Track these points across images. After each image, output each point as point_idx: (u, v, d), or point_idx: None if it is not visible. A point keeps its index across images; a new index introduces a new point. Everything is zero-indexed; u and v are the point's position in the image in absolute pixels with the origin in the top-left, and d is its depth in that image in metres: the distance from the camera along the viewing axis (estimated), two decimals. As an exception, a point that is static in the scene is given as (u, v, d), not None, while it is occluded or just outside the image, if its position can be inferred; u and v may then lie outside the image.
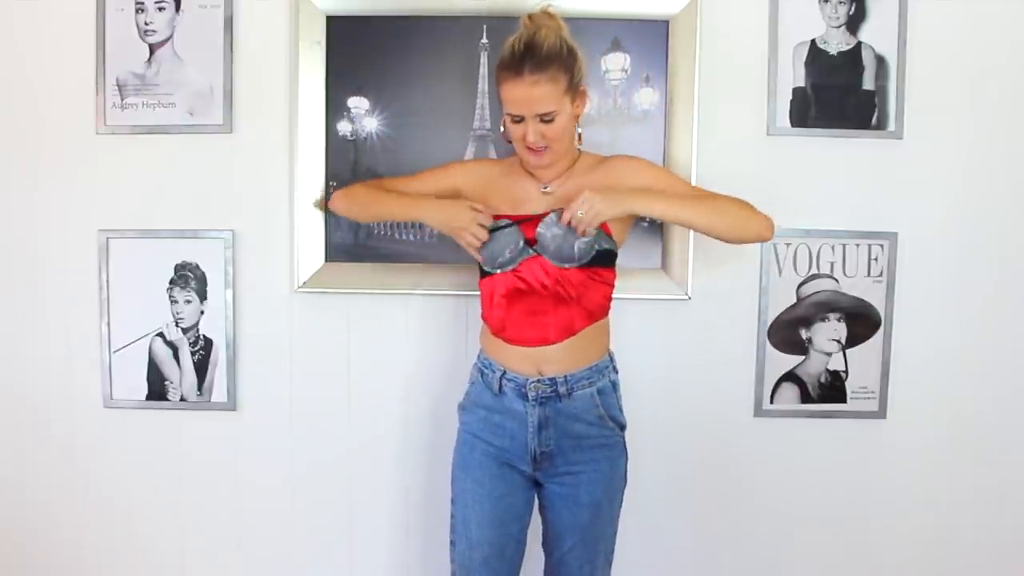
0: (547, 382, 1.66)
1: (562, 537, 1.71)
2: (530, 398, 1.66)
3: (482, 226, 1.65)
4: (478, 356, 1.77)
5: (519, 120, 1.60)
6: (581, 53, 1.63)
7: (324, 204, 1.97)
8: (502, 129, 1.68)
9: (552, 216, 1.64)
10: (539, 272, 1.65)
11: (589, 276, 1.66)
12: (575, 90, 1.63)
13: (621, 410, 1.75)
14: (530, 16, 1.63)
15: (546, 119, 1.59)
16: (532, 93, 1.57)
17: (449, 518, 1.75)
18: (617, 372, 1.75)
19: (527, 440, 1.67)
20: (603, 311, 1.71)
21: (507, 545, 1.69)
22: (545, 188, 1.70)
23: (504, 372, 1.68)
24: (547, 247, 1.64)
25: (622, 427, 1.74)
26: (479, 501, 1.69)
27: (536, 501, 1.76)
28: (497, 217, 1.67)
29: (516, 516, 1.71)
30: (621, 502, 1.76)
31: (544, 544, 1.78)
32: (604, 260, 1.67)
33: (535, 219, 1.66)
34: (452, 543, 1.74)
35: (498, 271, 1.67)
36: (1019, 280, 2.04)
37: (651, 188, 1.68)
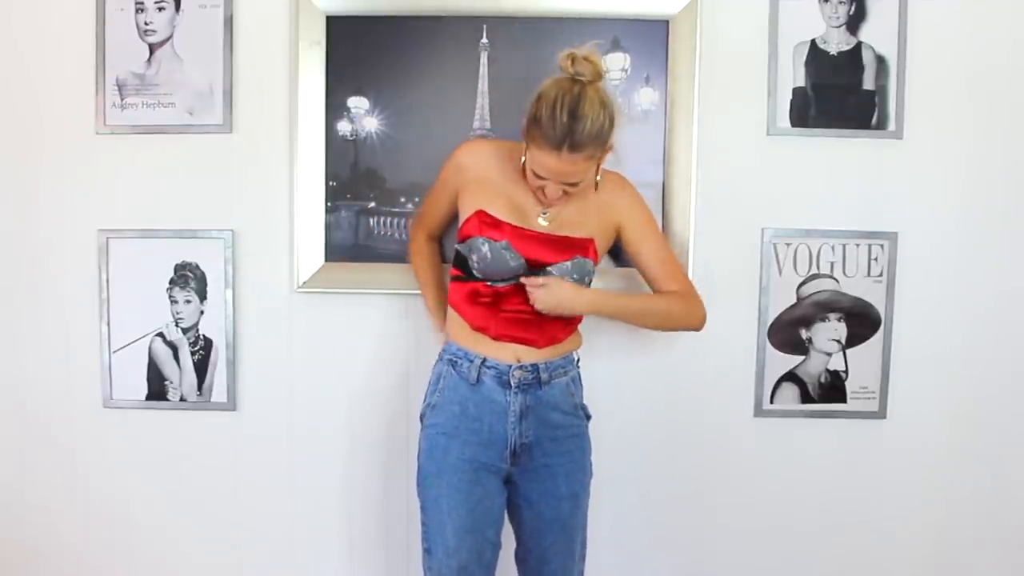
0: (529, 368, 1.67)
1: (542, 533, 1.71)
2: (512, 385, 1.66)
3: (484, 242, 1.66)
4: (445, 350, 1.74)
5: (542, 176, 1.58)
6: (617, 109, 1.57)
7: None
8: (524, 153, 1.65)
9: (557, 270, 1.65)
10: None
11: None
12: (605, 149, 1.59)
13: (583, 400, 1.78)
14: (572, 59, 1.54)
15: (571, 184, 1.59)
16: (566, 169, 1.54)
17: (420, 526, 1.72)
18: (579, 368, 1.78)
19: (506, 432, 1.67)
20: (580, 320, 1.75)
21: (484, 550, 1.67)
22: (544, 213, 1.68)
23: (484, 360, 1.67)
24: None
25: (588, 417, 1.77)
26: (455, 507, 1.65)
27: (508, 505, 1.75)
28: (497, 231, 1.65)
29: (492, 520, 1.69)
30: (589, 494, 1.77)
31: (519, 548, 1.77)
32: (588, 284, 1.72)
33: (536, 238, 1.66)
34: (427, 551, 1.70)
35: (487, 283, 1.67)
36: (1019, 280, 2.04)
37: (632, 229, 1.74)
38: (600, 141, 1.54)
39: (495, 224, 1.65)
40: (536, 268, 1.65)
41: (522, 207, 1.68)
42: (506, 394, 1.66)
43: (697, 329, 1.80)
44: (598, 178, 1.66)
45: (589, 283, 1.70)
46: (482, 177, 1.70)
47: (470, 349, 1.68)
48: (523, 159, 1.63)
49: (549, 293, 1.63)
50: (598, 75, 1.55)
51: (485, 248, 1.63)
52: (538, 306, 1.64)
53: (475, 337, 1.69)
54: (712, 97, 1.97)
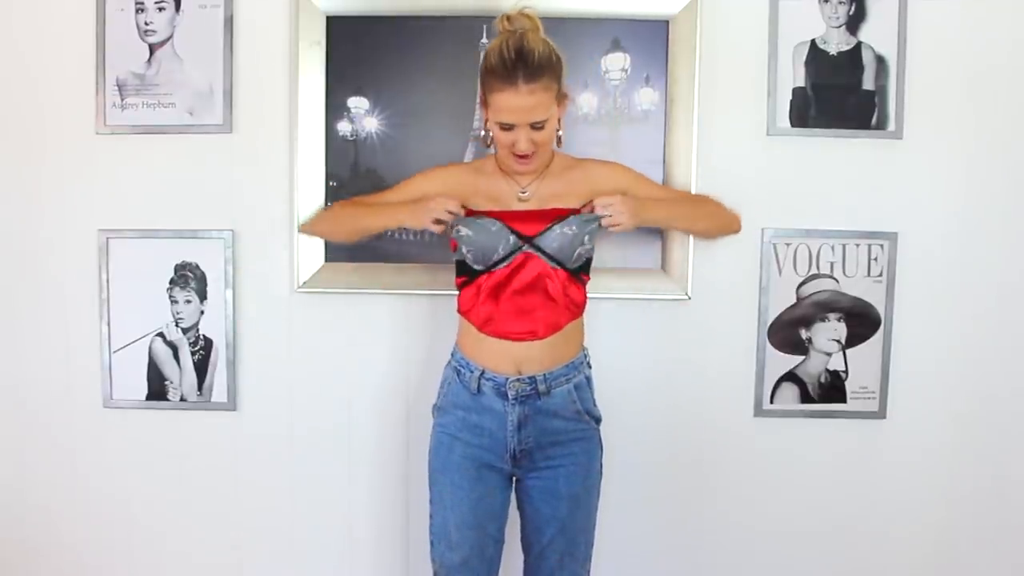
0: (527, 380, 1.67)
1: (541, 530, 1.72)
2: (510, 397, 1.67)
3: (451, 212, 1.66)
4: (452, 356, 1.76)
5: (509, 128, 1.61)
6: (564, 56, 1.63)
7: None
8: (483, 133, 1.70)
9: (573, 218, 1.65)
10: (528, 270, 1.67)
11: (570, 277, 1.69)
12: (561, 95, 1.64)
13: (595, 404, 1.76)
14: (508, 17, 1.62)
15: (537, 126, 1.61)
16: (527, 102, 1.57)
17: (428, 518, 1.75)
18: (591, 367, 1.77)
19: (506, 439, 1.68)
20: (583, 308, 1.74)
21: (486, 545, 1.71)
22: (523, 192, 1.71)
23: (483, 372, 1.69)
24: (551, 243, 1.65)
25: (597, 420, 1.76)
26: (458, 504, 1.69)
27: (514, 498, 1.76)
28: (474, 213, 1.68)
29: (494, 516, 1.72)
30: (599, 496, 1.77)
31: (523, 540, 1.78)
32: (586, 264, 1.72)
33: (518, 215, 1.68)
34: (432, 543, 1.74)
35: (492, 269, 1.67)
36: (1019, 280, 2.04)
37: (627, 191, 1.74)
38: (553, 71, 1.59)
39: (478, 216, 1.69)
40: (523, 241, 1.66)
41: (500, 196, 1.72)
42: (504, 404, 1.68)
43: (737, 231, 1.90)
44: (560, 133, 1.69)
45: (581, 255, 1.68)
46: (457, 191, 1.73)
47: (472, 360, 1.71)
48: (488, 134, 1.67)
49: (619, 205, 1.67)
50: (535, 27, 1.61)
51: (465, 230, 1.66)
52: (620, 219, 1.67)
53: (479, 346, 1.70)
54: (712, 97, 1.97)
